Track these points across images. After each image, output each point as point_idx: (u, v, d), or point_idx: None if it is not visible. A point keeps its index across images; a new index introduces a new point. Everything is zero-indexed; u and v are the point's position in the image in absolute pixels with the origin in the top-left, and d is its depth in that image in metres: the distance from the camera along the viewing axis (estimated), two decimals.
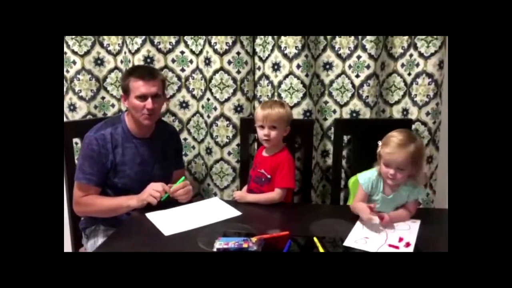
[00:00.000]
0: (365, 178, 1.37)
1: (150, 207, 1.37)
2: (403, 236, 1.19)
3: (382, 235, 1.18)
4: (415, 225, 1.27)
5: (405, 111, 1.81)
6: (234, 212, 1.38)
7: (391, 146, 1.26)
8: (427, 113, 1.75)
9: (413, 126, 1.76)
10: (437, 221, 1.30)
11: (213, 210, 1.40)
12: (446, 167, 1.92)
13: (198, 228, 1.25)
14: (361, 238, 1.16)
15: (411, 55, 1.74)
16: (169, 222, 1.30)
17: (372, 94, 1.77)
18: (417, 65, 1.73)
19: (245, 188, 1.66)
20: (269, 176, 1.52)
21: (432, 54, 1.69)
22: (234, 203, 1.47)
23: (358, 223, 1.26)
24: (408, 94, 1.79)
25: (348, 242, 1.14)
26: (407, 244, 1.14)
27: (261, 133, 1.50)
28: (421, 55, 1.71)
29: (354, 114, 1.80)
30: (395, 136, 1.29)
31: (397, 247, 1.12)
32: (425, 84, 1.72)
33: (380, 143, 1.32)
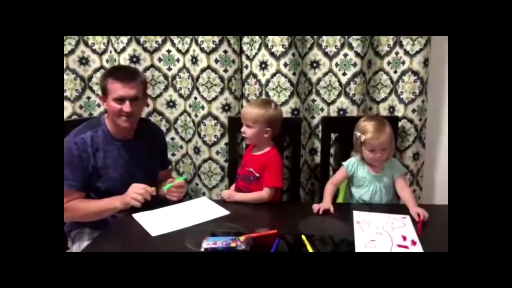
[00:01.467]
0: (350, 161, 1.52)
1: (137, 208, 1.36)
2: (405, 234, 1.19)
3: (385, 236, 1.18)
4: (407, 221, 1.28)
5: (392, 108, 1.83)
6: (222, 212, 1.37)
7: (372, 132, 1.39)
8: (413, 110, 1.77)
9: (400, 123, 1.78)
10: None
11: (201, 210, 1.39)
12: (432, 163, 1.96)
13: (186, 228, 1.24)
14: (368, 242, 1.15)
15: (397, 53, 1.76)
16: (157, 222, 1.28)
17: (359, 92, 1.78)
18: (403, 62, 1.75)
19: (233, 186, 1.65)
20: (257, 175, 1.51)
21: (417, 52, 1.71)
22: (222, 202, 1.46)
23: (355, 224, 1.26)
24: (394, 92, 1.81)
25: (358, 248, 1.11)
26: (413, 243, 1.14)
27: (243, 130, 1.52)
28: (406, 53, 1.73)
29: (341, 112, 1.81)
30: (370, 123, 1.43)
31: (406, 247, 1.11)
32: (411, 81, 1.74)
33: (357, 133, 1.45)
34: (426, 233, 1.19)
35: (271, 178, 1.49)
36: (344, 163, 1.52)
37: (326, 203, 1.38)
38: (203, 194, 1.91)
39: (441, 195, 1.97)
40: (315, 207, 1.36)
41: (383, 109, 1.86)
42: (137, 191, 1.33)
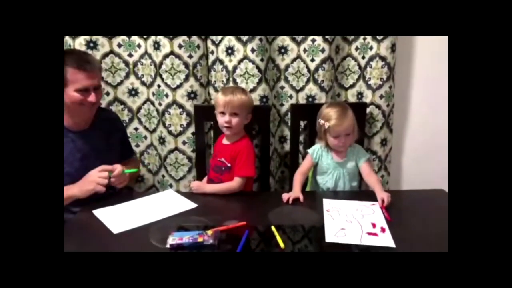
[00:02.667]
0: (314, 148, 1.52)
1: (97, 202, 1.28)
2: (374, 221, 1.18)
3: (355, 224, 1.17)
4: (376, 207, 1.28)
5: (360, 94, 1.82)
6: (190, 205, 1.31)
7: (336, 119, 1.41)
8: (381, 96, 1.77)
9: (368, 110, 1.78)
10: (394, 201, 1.31)
11: (167, 204, 1.33)
12: (400, 149, 1.98)
13: (150, 224, 1.18)
14: (338, 231, 1.13)
15: (364, 38, 1.74)
16: (119, 218, 1.21)
17: (327, 78, 1.75)
18: (371, 48, 1.73)
19: (205, 178, 1.60)
20: (229, 165, 1.46)
21: (384, 37, 1.70)
22: (190, 195, 1.40)
23: (325, 212, 1.25)
24: (362, 78, 1.80)
25: (329, 238, 1.09)
26: (382, 229, 1.13)
27: (222, 120, 1.44)
28: (374, 38, 1.71)
29: (310, 99, 1.78)
30: (333, 110, 1.44)
31: (376, 234, 1.11)
32: (378, 67, 1.74)
33: (320, 120, 1.46)
34: (394, 219, 1.20)
35: (242, 167, 1.44)
36: (309, 150, 1.53)
37: (296, 192, 1.36)
38: (170, 186, 1.84)
39: (408, 179, 2.01)
40: (285, 196, 1.33)
41: (351, 96, 1.85)
42: (101, 175, 1.28)
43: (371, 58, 1.74)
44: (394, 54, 1.73)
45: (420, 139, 1.94)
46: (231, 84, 1.72)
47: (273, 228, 1.13)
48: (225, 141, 1.52)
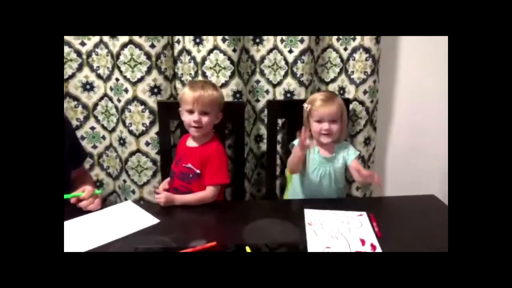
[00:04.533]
0: (297, 140, 1.35)
1: None
2: (362, 237, 1.04)
3: (342, 241, 1.02)
4: (363, 219, 1.14)
5: (342, 89, 1.67)
6: (151, 220, 1.13)
7: (320, 101, 1.31)
8: (365, 92, 1.63)
9: (350, 106, 1.63)
10: (383, 211, 1.19)
11: (124, 219, 1.14)
12: (384, 148, 1.86)
13: (103, 246, 0.99)
14: (323, 249, 0.99)
15: None
16: (68, 238, 1.01)
17: (307, 72, 1.59)
18: (354, 38, 1.58)
19: (164, 183, 1.41)
20: (198, 171, 1.29)
21: None
22: (151, 206, 1.22)
23: (307, 226, 1.09)
24: (344, 71, 1.65)
25: None
26: (373, 247, 1.00)
27: (189, 119, 1.26)
28: None
29: (289, 95, 1.62)
30: (320, 94, 1.36)
31: None
32: (362, 59, 1.59)
33: (306, 105, 1.35)
34: (384, 233, 1.06)
35: (215, 174, 1.28)
36: (294, 142, 1.39)
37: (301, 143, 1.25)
38: (133, 192, 1.63)
39: (391, 179, 1.90)
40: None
41: (332, 91, 1.69)
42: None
43: (354, 50, 1.59)
44: (378, 46, 1.59)
45: (405, 137, 1.83)
46: (200, 77, 1.53)
47: (247, 249, 0.97)
48: (190, 143, 1.34)
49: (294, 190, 1.45)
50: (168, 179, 1.42)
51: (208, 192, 1.26)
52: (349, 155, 1.36)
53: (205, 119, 1.26)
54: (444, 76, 1.77)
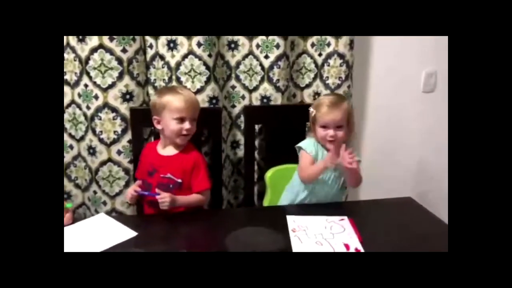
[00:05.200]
0: (307, 143, 1.31)
1: None
2: (346, 242, 1.04)
3: (326, 247, 1.02)
4: (345, 223, 1.14)
5: (317, 95, 1.68)
6: (128, 233, 1.07)
7: (326, 106, 1.25)
8: None
9: None
10: (362, 215, 1.21)
11: (100, 233, 1.07)
12: (358, 152, 1.88)
13: None
14: None
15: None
16: None
17: (283, 77, 1.59)
18: (328, 44, 1.60)
19: (131, 190, 1.27)
20: (179, 181, 1.24)
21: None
22: (126, 218, 1.16)
23: (291, 233, 1.08)
24: (319, 77, 1.66)
25: None
26: (357, 251, 1.00)
27: (179, 127, 1.22)
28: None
29: (265, 100, 1.61)
30: (327, 98, 1.30)
31: None
32: (336, 65, 1.61)
33: (311, 109, 1.30)
34: (366, 237, 1.06)
35: (202, 180, 1.27)
36: (301, 145, 1.31)
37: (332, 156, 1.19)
38: (104, 203, 1.55)
39: (366, 182, 1.92)
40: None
41: (307, 96, 1.70)
42: None
43: (329, 56, 1.61)
44: (352, 52, 1.62)
45: (378, 141, 1.87)
46: (174, 83, 1.48)
47: None
48: (167, 152, 1.28)
49: (289, 192, 1.39)
50: (134, 186, 1.29)
51: (203, 197, 1.27)
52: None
53: (194, 126, 1.25)
54: (416, 81, 1.85)
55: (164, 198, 1.15)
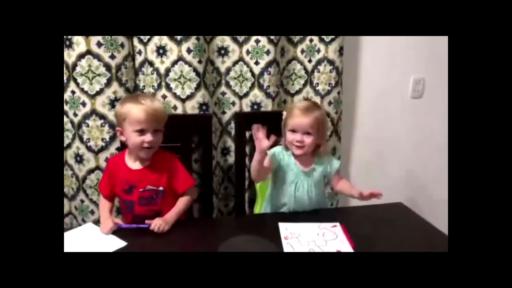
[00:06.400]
0: (275, 149, 1.28)
1: None
2: (339, 249, 1.04)
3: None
4: (338, 230, 1.14)
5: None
6: (117, 243, 1.04)
7: (297, 111, 1.24)
8: (329, 103, 1.66)
9: None
10: (354, 221, 1.20)
11: (89, 243, 1.04)
12: (348, 159, 1.90)
13: None
14: None
15: (311, 40, 1.61)
16: None
17: (273, 84, 1.59)
18: (318, 51, 1.61)
19: (109, 222, 1.14)
20: (161, 188, 1.21)
21: (332, 40, 1.58)
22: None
23: (283, 241, 1.07)
24: (309, 83, 1.67)
25: None
26: None
27: (140, 140, 1.12)
28: (321, 40, 1.59)
29: (256, 106, 1.60)
30: (300, 103, 1.29)
31: None
32: (326, 71, 1.62)
33: (284, 112, 1.29)
34: (359, 244, 1.06)
35: (185, 180, 1.25)
36: (271, 151, 1.26)
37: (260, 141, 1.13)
38: (91, 212, 1.52)
39: (354, 184, 1.93)
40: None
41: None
42: None
43: (319, 62, 1.62)
44: (342, 58, 1.63)
45: (368, 147, 1.88)
46: (163, 89, 1.46)
47: None
48: (135, 165, 1.20)
49: (269, 201, 1.37)
50: (114, 218, 1.18)
51: (189, 195, 1.25)
52: (332, 168, 1.31)
53: (158, 137, 1.16)
54: (405, 87, 1.87)
55: (158, 225, 1.10)
